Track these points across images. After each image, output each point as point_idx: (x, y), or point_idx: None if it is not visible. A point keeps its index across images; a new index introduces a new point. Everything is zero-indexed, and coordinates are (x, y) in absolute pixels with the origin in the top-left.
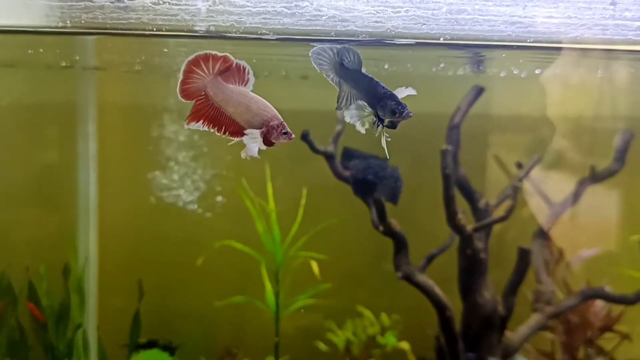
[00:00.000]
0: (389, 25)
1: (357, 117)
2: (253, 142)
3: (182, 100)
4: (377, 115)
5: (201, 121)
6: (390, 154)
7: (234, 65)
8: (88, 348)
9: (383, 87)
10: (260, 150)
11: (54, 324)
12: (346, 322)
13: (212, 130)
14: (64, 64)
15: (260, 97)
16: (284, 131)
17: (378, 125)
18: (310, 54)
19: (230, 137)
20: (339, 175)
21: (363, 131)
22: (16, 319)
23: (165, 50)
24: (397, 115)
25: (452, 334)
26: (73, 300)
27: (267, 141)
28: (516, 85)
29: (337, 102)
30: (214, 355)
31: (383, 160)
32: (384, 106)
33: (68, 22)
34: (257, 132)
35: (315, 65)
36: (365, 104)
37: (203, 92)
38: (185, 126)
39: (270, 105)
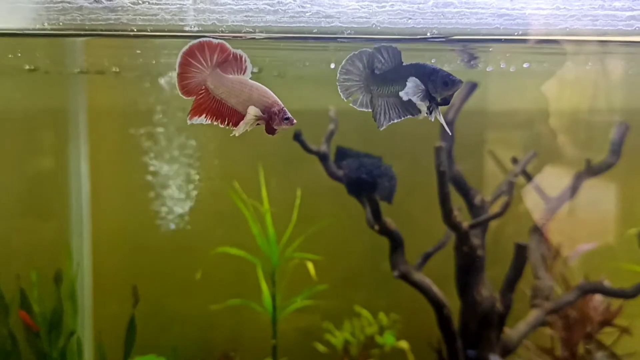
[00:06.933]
0: (374, 20)
1: (415, 95)
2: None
3: (184, 97)
4: (428, 95)
5: (204, 115)
6: (384, 152)
7: (231, 55)
8: (82, 355)
9: (429, 65)
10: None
11: (47, 332)
12: (344, 322)
13: (215, 123)
14: (36, 68)
15: (259, 84)
16: (285, 117)
17: (430, 107)
18: (337, 80)
19: (234, 128)
20: (332, 175)
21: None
22: (8, 327)
23: (138, 51)
24: (449, 85)
25: (450, 332)
26: (66, 308)
27: (269, 128)
28: (506, 79)
29: (375, 119)
30: (211, 359)
31: (377, 159)
32: (435, 80)
33: (46, 24)
34: (257, 111)
35: (341, 93)
36: (417, 80)
37: (203, 87)
38: (188, 121)
39: (270, 91)
